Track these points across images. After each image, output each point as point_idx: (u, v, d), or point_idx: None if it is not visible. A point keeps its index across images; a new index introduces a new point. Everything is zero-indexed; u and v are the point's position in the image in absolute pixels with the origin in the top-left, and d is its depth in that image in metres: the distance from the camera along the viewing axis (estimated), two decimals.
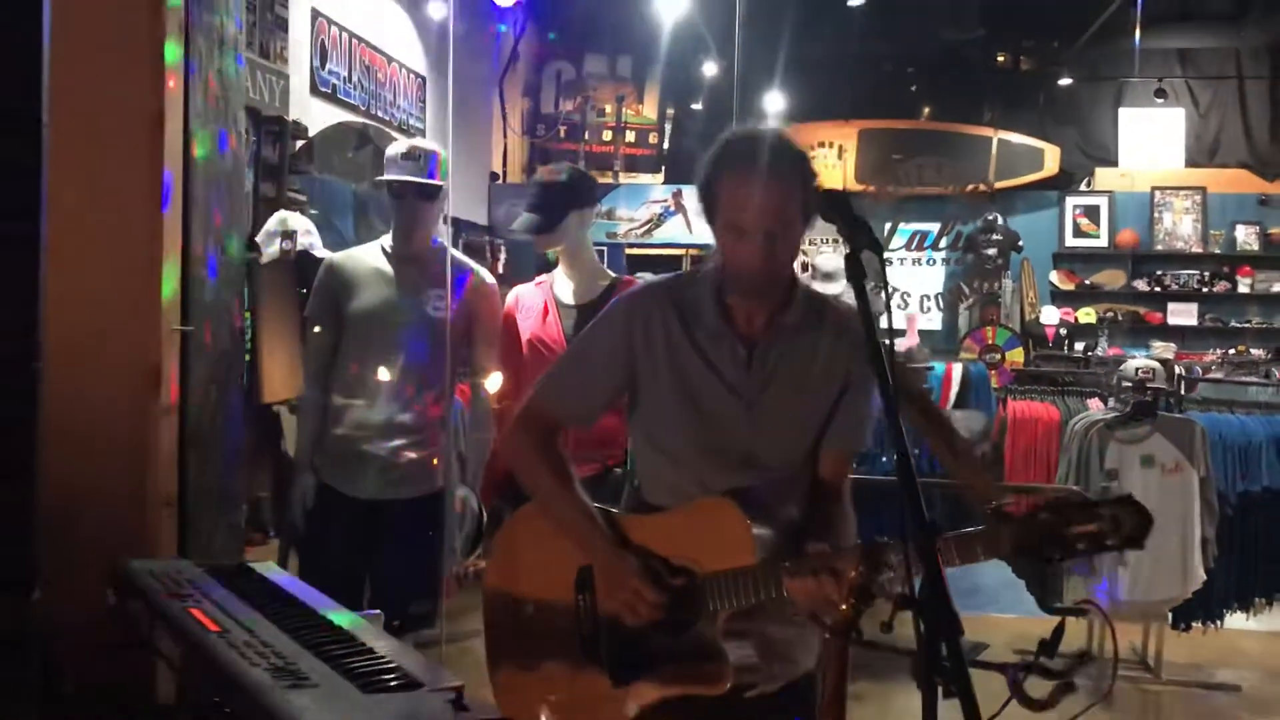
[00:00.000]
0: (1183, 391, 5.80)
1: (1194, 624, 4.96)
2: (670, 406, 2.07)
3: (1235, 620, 5.09)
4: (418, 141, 3.58)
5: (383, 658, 1.79)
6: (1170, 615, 4.89)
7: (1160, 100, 10.18)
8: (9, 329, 2.05)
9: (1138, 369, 4.71)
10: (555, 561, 2.09)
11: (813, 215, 1.94)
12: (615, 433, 3.03)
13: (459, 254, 3.69)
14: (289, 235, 4.13)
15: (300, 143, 6.60)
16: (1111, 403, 5.00)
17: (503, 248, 9.49)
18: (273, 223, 4.35)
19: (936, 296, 10.49)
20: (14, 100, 2.08)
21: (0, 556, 2.16)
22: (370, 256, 3.53)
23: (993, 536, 1.79)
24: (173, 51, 2.90)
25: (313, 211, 6.47)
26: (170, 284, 2.98)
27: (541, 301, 3.47)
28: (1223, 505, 4.72)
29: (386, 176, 3.44)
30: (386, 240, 3.55)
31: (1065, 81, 9.94)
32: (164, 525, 2.97)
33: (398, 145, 3.50)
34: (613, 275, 3.53)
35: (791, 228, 1.93)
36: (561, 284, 3.47)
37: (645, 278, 3.97)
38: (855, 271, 1.60)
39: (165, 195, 2.88)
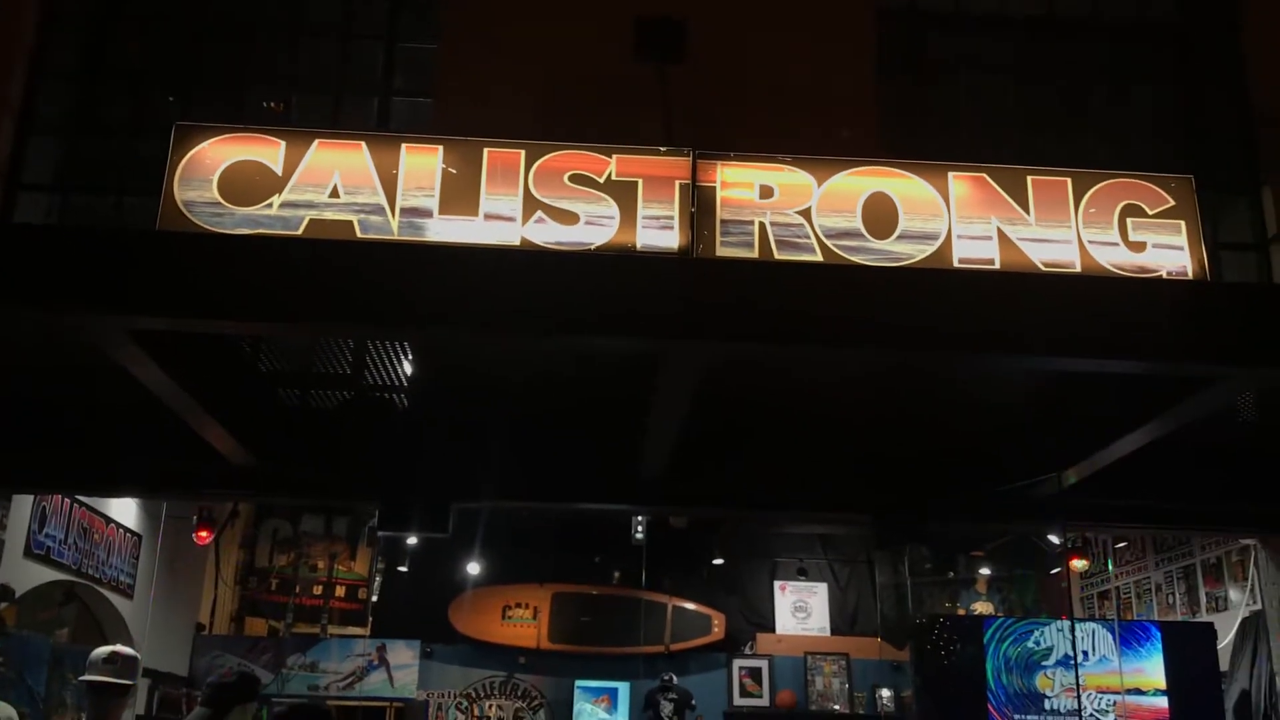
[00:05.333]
0: None
1: None
2: None
3: None
4: (119, 648, 4.29)
5: None
6: None
7: (804, 577, 11.92)
8: None
9: None
10: None
11: None
12: None
13: None
14: None
15: (5, 604, 6.97)
16: None
17: (198, 699, 9.65)
18: None
19: None
20: None
21: None
22: None
23: None
24: None
25: (5, 671, 6.75)
26: None
27: None
28: None
29: (87, 677, 4.11)
30: None
31: (718, 561, 11.54)
32: None
33: (101, 650, 4.20)
34: None
35: None
36: None
37: None
38: None
39: None
